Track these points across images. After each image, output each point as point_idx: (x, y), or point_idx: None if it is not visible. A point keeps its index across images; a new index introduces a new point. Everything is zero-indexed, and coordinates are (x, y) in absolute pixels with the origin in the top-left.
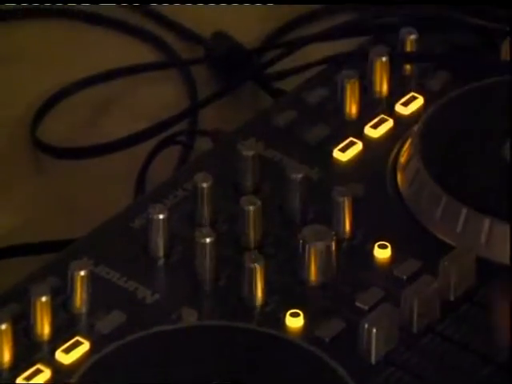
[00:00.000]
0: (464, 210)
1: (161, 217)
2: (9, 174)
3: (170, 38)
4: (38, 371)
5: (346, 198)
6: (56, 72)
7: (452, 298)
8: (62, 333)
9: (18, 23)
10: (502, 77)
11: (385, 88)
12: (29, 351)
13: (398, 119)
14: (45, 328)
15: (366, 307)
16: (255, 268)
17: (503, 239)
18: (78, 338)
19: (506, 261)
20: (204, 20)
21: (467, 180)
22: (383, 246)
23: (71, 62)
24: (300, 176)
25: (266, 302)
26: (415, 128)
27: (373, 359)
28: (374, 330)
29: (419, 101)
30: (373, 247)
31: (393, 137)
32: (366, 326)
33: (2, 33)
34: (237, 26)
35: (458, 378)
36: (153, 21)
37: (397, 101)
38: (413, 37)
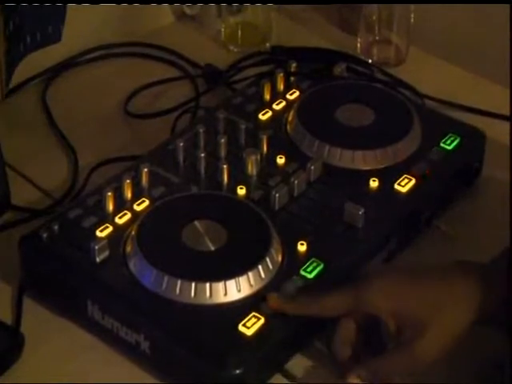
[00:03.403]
0: (317, 141)
1: (181, 144)
2: (110, 127)
3: (184, 64)
4: (125, 214)
5: (264, 136)
6: (127, 83)
7: (312, 179)
8: (136, 196)
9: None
10: (334, 82)
11: (282, 87)
12: (120, 206)
13: (288, 101)
14: (128, 193)
15: (273, 184)
16: (223, 167)
17: (335, 156)
18: (143, 198)
19: (341, 165)
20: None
21: (317, 127)
22: (281, 158)
23: (136, 77)
24: (244, 126)
25: (229, 182)
26: (295, 105)
27: (276, 208)
28: (278, 195)
29: (297, 93)
30: (276, 157)
31: (286, 109)
32: (273, 192)
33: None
34: (217, 59)
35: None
36: (177, 56)
37: (287, 93)
38: (294, 64)
